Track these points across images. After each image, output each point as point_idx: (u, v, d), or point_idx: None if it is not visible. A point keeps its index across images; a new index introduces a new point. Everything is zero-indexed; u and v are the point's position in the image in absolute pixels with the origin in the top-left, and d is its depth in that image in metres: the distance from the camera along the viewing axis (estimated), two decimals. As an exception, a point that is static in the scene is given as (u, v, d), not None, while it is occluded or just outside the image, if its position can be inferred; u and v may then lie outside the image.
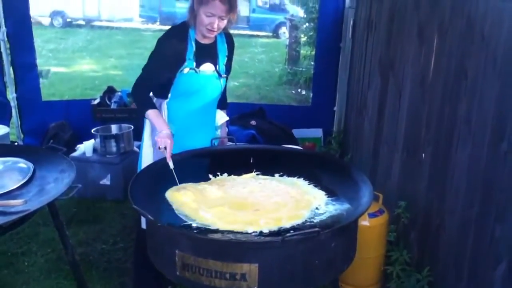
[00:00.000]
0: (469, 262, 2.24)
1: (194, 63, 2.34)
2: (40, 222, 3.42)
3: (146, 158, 2.45)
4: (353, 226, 1.87)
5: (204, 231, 1.72)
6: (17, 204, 1.88)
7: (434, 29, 2.52)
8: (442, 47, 2.46)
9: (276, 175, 2.24)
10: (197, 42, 2.36)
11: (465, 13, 2.23)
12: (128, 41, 12.13)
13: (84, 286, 2.56)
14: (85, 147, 4.04)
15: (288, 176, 2.22)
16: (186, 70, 2.32)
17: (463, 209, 2.27)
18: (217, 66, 2.43)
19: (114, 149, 3.99)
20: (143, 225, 2.34)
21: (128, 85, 4.85)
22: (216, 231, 1.71)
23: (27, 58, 4.47)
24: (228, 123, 2.86)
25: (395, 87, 3.04)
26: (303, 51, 9.04)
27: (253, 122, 4.35)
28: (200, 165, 2.27)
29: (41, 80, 4.80)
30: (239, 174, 2.24)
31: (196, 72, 2.34)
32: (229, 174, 2.24)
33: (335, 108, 4.84)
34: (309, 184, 2.13)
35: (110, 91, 4.81)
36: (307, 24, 8.41)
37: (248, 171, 2.26)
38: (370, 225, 2.61)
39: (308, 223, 1.77)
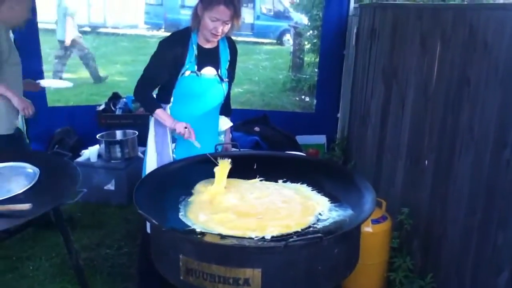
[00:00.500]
0: (472, 269, 2.24)
1: (196, 66, 2.37)
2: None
3: (150, 163, 2.48)
4: (356, 232, 1.88)
5: (208, 236, 1.73)
6: (23, 208, 1.90)
7: (436, 37, 2.54)
8: (445, 56, 2.47)
9: (280, 181, 2.25)
10: (199, 46, 2.39)
11: (467, 22, 2.25)
12: (133, 47, 12.20)
13: (88, 291, 2.57)
14: (90, 153, 4.06)
15: (292, 182, 2.23)
16: (187, 73, 2.36)
17: (466, 217, 2.28)
18: (219, 71, 2.46)
19: (118, 154, 4.02)
20: (148, 230, 2.36)
21: (132, 91, 4.91)
22: (220, 236, 1.73)
23: (34, 65, 4.49)
24: (232, 129, 2.88)
25: (398, 95, 3.06)
26: (307, 58, 9.07)
27: (257, 129, 4.37)
28: (204, 171, 2.28)
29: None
30: (242, 179, 2.25)
31: (197, 75, 2.38)
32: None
33: (339, 115, 4.86)
34: (312, 190, 2.14)
35: (115, 97, 4.85)
36: (311, 31, 8.45)
37: (252, 177, 2.27)
38: (373, 231, 2.62)
39: (311, 229, 1.78)
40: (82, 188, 2.21)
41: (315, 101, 5.29)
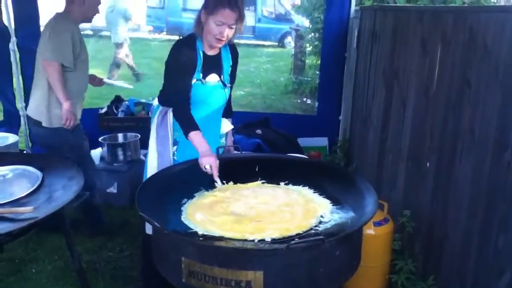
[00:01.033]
0: (473, 271, 2.24)
1: (201, 74, 2.37)
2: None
3: (151, 166, 2.48)
4: (358, 235, 1.89)
5: (210, 238, 1.74)
6: (26, 211, 1.91)
7: (437, 40, 2.55)
8: (446, 58, 2.48)
9: (282, 183, 2.26)
10: (204, 54, 2.40)
11: (467, 24, 2.26)
12: (135, 50, 12.22)
13: (91, 293, 2.58)
14: (93, 155, 4.07)
15: (294, 184, 2.24)
16: (193, 81, 2.36)
17: (467, 219, 2.28)
18: (222, 76, 2.46)
19: (121, 157, 4.04)
20: (148, 231, 2.37)
21: (135, 94, 4.92)
22: (222, 238, 1.73)
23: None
24: (234, 132, 2.88)
25: (399, 97, 3.07)
26: (308, 61, 9.08)
27: (258, 131, 4.37)
28: (206, 173, 2.29)
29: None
30: (244, 182, 2.26)
31: (202, 83, 2.38)
32: (235, 183, 2.27)
33: (340, 118, 4.86)
34: (314, 193, 2.15)
35: (117, 100, 4.86)
36: (312, 34, 8.46)
37: (254, 179, 2.28)
38: (375, 233, 2.62)
39: (313, 231, 1.79)
40: (85, 191, 2.22)
41: (316, 104, 5.29)
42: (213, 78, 2.42)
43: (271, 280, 1.58)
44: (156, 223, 1.68)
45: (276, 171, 2.30)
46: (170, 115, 2.45)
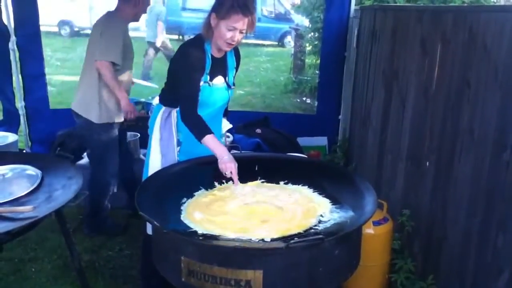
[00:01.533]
0: (472, 271, 2.25)
1: (208, 77, 2.37)
2: (47, 229, 3.45)
3: (154, 165, 2.48)
4: (357, 234, 1.89)
5: (210, 237, 1.74)
6: (25, 210, 1.92)
7: (437, 40, 2.55)
8: (445, 58, 2.48)
9: (281, 182, 2.26)
10: (212, 57, 2.39)
11: (467, 24, 2.26)
12: (135, 50, 12.21)
13: (90, 293, 2.59)
14: (92, 155, 4.07)
15: (293, 184, 2.24)
16: (200, 83, 2.35)
17: (466, 218, 2.29)
18: (227, 78, 2.46)
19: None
20: (148, 231, 2.37)
21: (134, 93, 4.91)
22: (221, 238, 1.74)
23: (36, 67, 4.53)
24: (233, 132, 2.88)
25: (398, 97, 3.07)
26: (308, 60, 9.08)
27: (258, 131, 4.37)
28: (206, 172, 2.30)
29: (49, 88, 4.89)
30: (244, 181, 2.26)
31: (209, 85, 2.37)
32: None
33: (340, 117, 4.86)
34: (313, 192, 2.15)
35: (117, 99, 4.86)
36: (312, 33, 8.46)
37: (253, 179, 2.28)
38: (375, 233, 2.63)
39: (313, 230, 1.79)
40: (84, 190, 2.22)
41: (316, 103, 5.29)
42: (219, 80, 2.42)
43: (270, 279, 1.59)
44: (155, 222, 1.68)
45: (276, 171, 2.31)
46: (174, 116, 2.45)
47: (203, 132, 2.26)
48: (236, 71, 2.57)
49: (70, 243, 2.46)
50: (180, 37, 14.52)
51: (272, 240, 1.71)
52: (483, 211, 2.15)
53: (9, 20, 4.34)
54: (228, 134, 2.77)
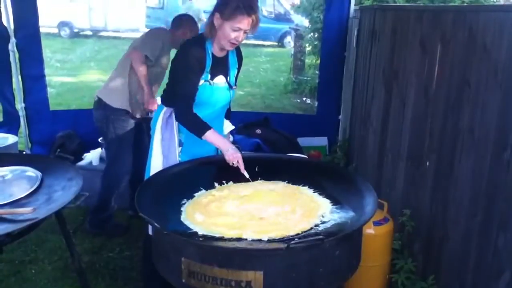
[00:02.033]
0: (473, 271, 2.24)
1: (209, 76, 2.37)
2: (47, 230, 3.45)
3: (156, 166, 2.47)
4: (358, 234, 1.89)
5: (210, 238, 1.74)
6: (25, 212, 1.91)
7: (436, 40, 2.55)
8: (445, 58, 2.48)
9: (281, 183, 2.26)
10: (213, 55, 2.38)
11: (467, 24, 2.26)
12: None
13: (91, 294, 2.58)
14: (92, 156, 4.08)
15: (293, 184, 2.24)
16: (201, 82, 2.35)
17: (467, 218, 2.28)
18: (228, 78, 2.46)
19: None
20: (150, 232, 2.37)
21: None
22: (222, 238, 1.73)
23: (36, 69, 4.53)
24: (233, 132, 2.89)
25: (398, 97, 3.07)
26: (308, 60, 9.09)
27: (258, 131, 4.38)
28: (206, 173, 2.30)
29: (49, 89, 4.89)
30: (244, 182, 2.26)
31: (210, 84, 2.37)
32: (235, 182, 2.27)
33: (340, 117, 4.86)
34: (314, 192, 2.15)
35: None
36: (311, 33, 8.46)
37: (253, 179, 2.28)
38: (375, 233, 2.62)
39: (313, 231, 1.79)
40: (84, 192, 2.22)
41: (316, 103, 5.29)
42: (220, 79, 2.41)
43: (271, 280, 1.58)
44: (156, 224, 1.68)
45: (276, 171, 2.31)
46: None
47: (203, 128, 2.29)
48: (238, 71, 2.57)
49: (70, 245, 2.45)
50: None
51: (272, 240, 1.71)
52: (484, 211, 2.15)
53: (8, 22, 4.33)
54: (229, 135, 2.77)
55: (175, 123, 2.43)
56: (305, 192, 2.16)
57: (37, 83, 4.58)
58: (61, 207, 2.02)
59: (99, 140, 4.08)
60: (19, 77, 4.53)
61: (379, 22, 3.54)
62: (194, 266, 1.63)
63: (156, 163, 2.47)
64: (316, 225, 1.83)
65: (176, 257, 1.68)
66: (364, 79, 3.91)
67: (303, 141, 4.63)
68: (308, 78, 8.60)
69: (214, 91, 2.40)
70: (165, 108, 2.48)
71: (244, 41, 2.34)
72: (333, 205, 2.01)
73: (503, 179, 1.99)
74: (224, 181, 2.26)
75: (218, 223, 1.83)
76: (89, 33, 15.15)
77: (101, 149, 4.10)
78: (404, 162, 2.97)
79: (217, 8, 2.28)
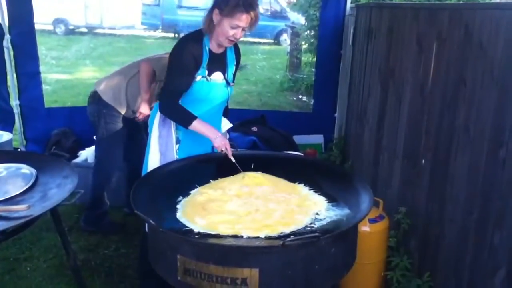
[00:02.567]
0: (469, 268, 2.25)
1: (206, 72, 2.36)
2: (42, 228, 3.44)
3: (153, 164, 2.46)
4: (353, 232, 1.89)
5: (205, 236, 1.74)
6: (20, 209, 1.91)
7: (433, 37, 2.55)
8: (441, 56, 2.48)
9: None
10: (210, 51, 2.38)
11: (463, 22, 2.26)
12: (130, 48, 12.19)
13: (86, 292, 2.57)
14: (87, 154, 4.06)
15: (289, 182, 2.24)
16: (198, 78, 2.34)
17: (463, 216, 2.29)
18: (226, 75, 2.45)
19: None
20: (147, 229, 2.36)
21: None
22: (218, 236, 1.73)
23: (31, 66, 4.51)
24: (230, 130, 2.88)
25: (395, 95, 3.07)
26: (304, 58, 9.09)
27: (254, 129, 4.37)
28: (203, 170, 2.29)
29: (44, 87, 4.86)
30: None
31: (207, 80, 2.36)
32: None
33: (336, 115, 4.87)
34: (309, 190, 2.15)
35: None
36: (308, 31, 8.46)
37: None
38: (371, 230, 2.63)
39: (309, 228, 1.79)
40: (80, 189, 2.21)
41: (312, 101, 5.30)
42: (217, 76, 2.41)
43: (267, 278, 1.58)
44: (151, 221, 1.67)
45: (272, 169, 2.30)
46: None
47: (189, 118, 2.31)
48: (237, 68, 2.56)
49: (66, 242, 2.45)
50: (176, 35, 14.51)
51: (268, 238, 1.71)
52: (480, 208, 2.15)
53: (3, 18, 4.31)
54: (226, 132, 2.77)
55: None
56: (301, 190, 2.16)
57: (32, 80, 4.55)
58: (56, 204, 2.02)
59: (94, 137, 4.07)
60: (14, 74, 4.50)
61: (375, 20, 3.54)
62: (189, 263, 1.63)
63: (153, 161, 2.46)
64: (312, 223, 1.83)
65: (172, 254, 1.67)
66: (360, 77, 3.92)
67: (299, 138, 4.63)
68: (304, 76, 8.60)
69: (212, 87, 2.39)
70: None
71: (240, 39, 2.34)
72: (328, 202, 2.01)
73: (499, 176, 2.00)
74: (219, 178, 2.25)
75: (213, 221, 1.83)
76: (85, 30, 15.08)
77: (96, 146, 4.09)
78: (400, 160, 2.97)
79: (217, 4, 2.27)
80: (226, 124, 2.68)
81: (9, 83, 4.58)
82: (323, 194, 2.09)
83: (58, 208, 2.20)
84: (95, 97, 3.37)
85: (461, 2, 4.01)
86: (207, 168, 2.33)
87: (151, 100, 3.34)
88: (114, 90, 3.33)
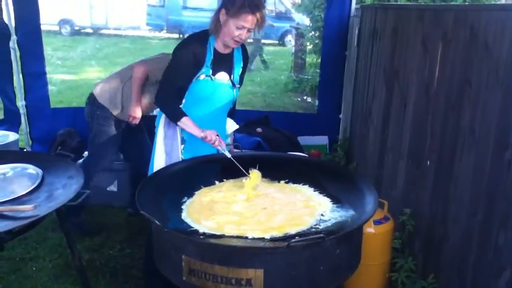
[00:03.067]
0: (473, 270, 2.24)
1: (211, 71, 2.37)
2: (48, 228, 3.45)
3: (159, 164, 2.47)
4: (358, 233, 1.89)
5: (210, 236, 1.74)
6: (26, 209, 1.91)
7: (438, 38, 2.55)
8: (446, 57, 2.48)
9: (282, 181, 2.26)
10: (215, 51, 2.39)
11: (468, 23, 2.26)
12: (135, 49, 12.23)
13: (91, 292, 2.58)
14: (93, 154, 4.07)
15: (294, 183, 2.24)
16: (202, 76, 2.35)
17: (467, 217, 2.28)
18: (232, 76, 2.46)
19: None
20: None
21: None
22: (222, 236, 1.73)
23: (37, 67, 4.53)
24: (235, 131, 2.88)
25: (399, 96, 3.06)
26: (308, 59, 9.08)
27: (259, 130, 4.37)
28: (207, 171, 2.30)
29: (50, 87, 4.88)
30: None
31: (211, 79, 2.37)
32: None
33: (341, 116, 4.86)
34: (314, 191, 2.15)
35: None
36: (312, 32, 8.46)
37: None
38: (376, 232, 2.63)
39: (313, 229, 1.79)
40: (85, 189, 2.22)
41: (317, 102, 5.29)
42: (223, 76, 2.41)
43: (271, 278, 1.58)
44: (156, 221, 1.68)
45: (276, 170, 2.30)
46: None
47: (179, 115, 2.34)
48: (244, 70, 2.56)
49: (71, 242, 2.46)
50: (181, 35, 14.53)
51: (273, 239, 1.71)
52: (484, 209, 2.15)
53: (9, 19, 4.34)
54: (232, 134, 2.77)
55: None
56: (305, 191, 2.16)
57: (37, 81, 4.58)
58: (62, 204, 2.02)
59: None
60: (20, 74, 4.53)
61: (380, 21, 3.54)
62: (194, 264, 1.63)
63: (159, 161, 2.47)
64: (317, 224, 1.83)
65: (177, 255, 1.68)
66: (365, 78, 3.91)
67: (303, 139, 4.63)
68: (309, 77, 8.60)
69: (216, 87, 2.40)
70: None
71: (247, 40, 2.34)
72: (333, 203, 2.01)
73: (504, 178, 1.99)
74: (224, 179, 2.26)
75: (218, 221, 1.83)
76: (90, 30, 15.14)
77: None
78: (404, 161, 2.97)
79: (224, 4, 2.29)
80: (232, 126, 2.69)
81: (15, 83, 4.61)
82: (327, 195, 2.09)
83: (64, 208, 2.21)
84: (91, 98, 3.38)
85: (467, 3, 4.00)
86: (212, 168, 2.33)
87: (149, 103, 3.34)
88: (110, 92, 3.33)
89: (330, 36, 4.73)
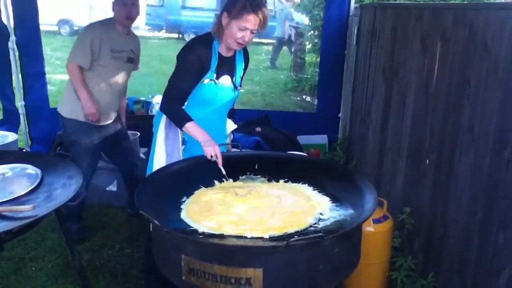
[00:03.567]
0: (473, 268, 2.25)
1: (215, 75, 2.36)
2: (47, 228, 3.45)
3: (159, 164, 2.47)
4: (357, 232, 1.89)
5: (210, 236, 1.74)
6: (25, 209, 1.91)
7: (437, 37, 2.55)
8: (445, 56, 2.48)
9: (281, 181, 2.26)
10: (219, 55, 2.38)
11: (467, 22, 2.26)
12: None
13: (91, 291, 2.58)
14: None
15: (293, 182, 2.24)
16: (206, 81, 2.35)
17: (467, 216, 2.29)
18: (234, 78, 2.46)
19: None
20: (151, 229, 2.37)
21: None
22: (222, 236, 1.73)
23: (36, 67, 4.54)
24: (234, 130, 2.89)
25: (399, 95, 3.07)
26: (308, 58, 9.09)
27: (258, 129, 4.37)
28: (207, 170, 2.30)
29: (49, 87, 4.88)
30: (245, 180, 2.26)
31: (215, 83, 2.37)
32: (234, 180, 2.27)
33: (340, 115, 4.86)
34: (313, 190, 2.15)
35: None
36: (312, 31, 8.47)
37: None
38: (375, 231, 2.62)
39: (312, 229, 1.79)
40: (84, 189, 2.22)
41: (316, 101, 5.29)
42: (225, 79, 2.41)
43: (270, 278, 1.58)
44: (156, 221, 1.68)
45: (276, 169, 2.30)
46: None
47: (184, 120, 2.30)
48: (244, 71, 2.56)
49: (70, 242, 2.46)
50: (180, 35, 14.52)
51: (272, 238, 1.71)
52: (484, 208, 2.15)
53: (8, 19, 4.34)
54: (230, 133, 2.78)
55: None
56: (305, 190, 2.16)
57: (37, 81, 4.58)
58: (61, 204, 2.02)
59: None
60: (19, 75, 4.53)
61: (379, 20, 3.54)
62: (194, 263, 1.63)
63: (159, 161, 2.47)
64: (316, 223, 1.83)
65: (176, 254, 1.68)
66: (364, 77, 3.91)
67: (303, 139, 4.63)
68: (308, 76, 8.60)
69: (219, 90, 2.40)
70: None
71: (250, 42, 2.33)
72: (332, 202, 2.01)
73: (503, 177, 2.00)
74: (223, 179, 2.26)
75: (218, 221, 1.83)
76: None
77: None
78: (404, 160, 2.97)
79: (225, 7, 2.29)
80: (230, 125, 2.69)
81: (14, 84, 4.61)
82: (327, 194, 2.09)
83: (63, 208, 2.21)
84: (58, 115, 3.34)
85: (466, 2, 4.00)
86: (212, 168, 2.33)
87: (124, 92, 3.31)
88: (69, 102, 3.29)
89: (329, 35, 4.73)
